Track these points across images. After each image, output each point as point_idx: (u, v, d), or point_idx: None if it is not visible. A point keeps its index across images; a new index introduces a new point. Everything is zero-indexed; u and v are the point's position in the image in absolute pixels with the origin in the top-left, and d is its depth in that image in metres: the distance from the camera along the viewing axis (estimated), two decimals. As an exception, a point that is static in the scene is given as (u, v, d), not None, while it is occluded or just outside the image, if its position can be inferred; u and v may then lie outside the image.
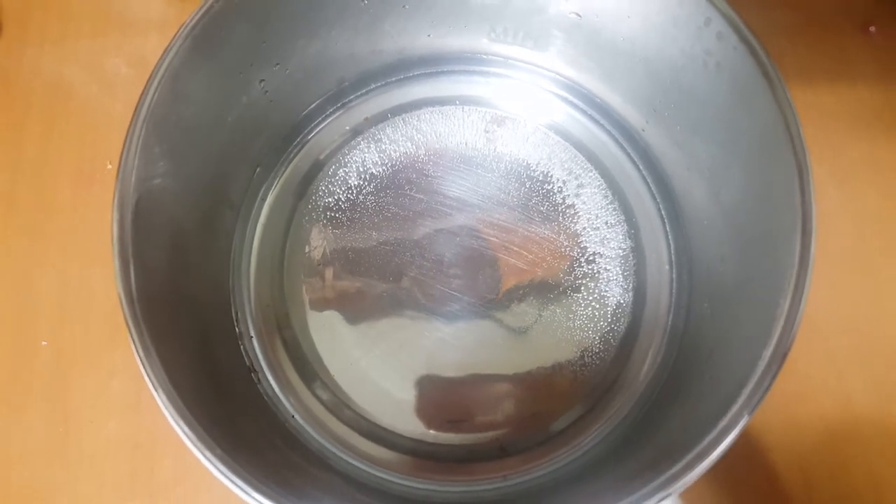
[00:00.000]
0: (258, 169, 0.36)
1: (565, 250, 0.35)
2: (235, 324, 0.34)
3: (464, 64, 0.38)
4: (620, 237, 0.35)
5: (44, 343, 0.35)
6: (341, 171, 0.37)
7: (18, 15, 0.41)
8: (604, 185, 0.36)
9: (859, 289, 0.36)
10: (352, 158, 0.37)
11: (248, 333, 0.34)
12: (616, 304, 0.34)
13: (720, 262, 0.32)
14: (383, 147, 0.37)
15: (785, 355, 0.24)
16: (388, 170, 0.36)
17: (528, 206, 0.36)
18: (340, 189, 0.36)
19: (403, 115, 0.38)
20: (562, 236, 0.35)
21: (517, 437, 0.33)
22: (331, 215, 0.36)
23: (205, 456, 0.23)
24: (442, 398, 0.33)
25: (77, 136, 0.39)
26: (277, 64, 0.33)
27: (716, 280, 0.32)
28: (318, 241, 0.35)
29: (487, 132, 0.37)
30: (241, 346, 0.34)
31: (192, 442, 0.23)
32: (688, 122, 0.32)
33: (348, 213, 0.36)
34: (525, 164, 0.37)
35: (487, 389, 0.34)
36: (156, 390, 0.24)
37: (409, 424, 0.33)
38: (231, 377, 0.32)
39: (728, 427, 0.24)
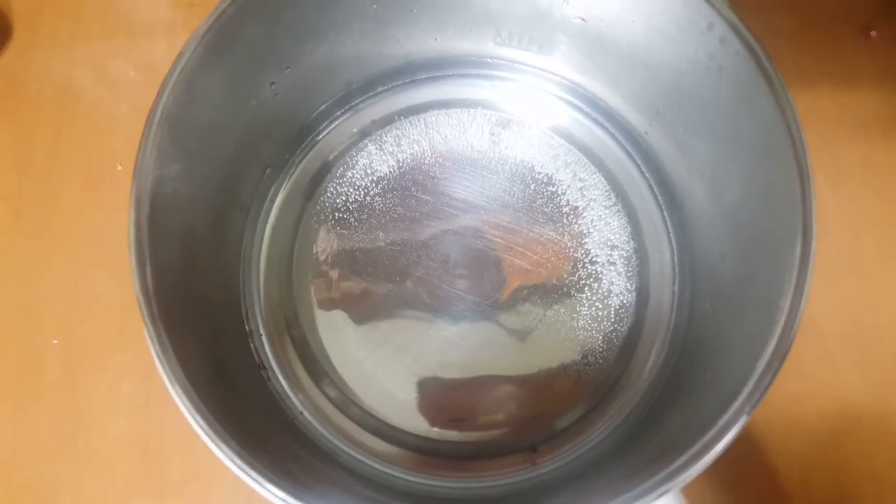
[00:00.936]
0: (268, 170, 0.36)
1: (569, 251, 0.35)
2: (245, 322, 0.34)
3: (470, 67, 0.38)
4: (624, 238, 0.36)
5: (55, 342, 0.35)
6: (349, 172, 0.37)
7: (29, 17, 0.41)
8: (607, 187, 0.37)
9: (856, 290, 0.36)
10: (359, 160, 0.37)
11: (258, 332, 0.34)
12: (619, 304, 0.35)
13: (721, 260, 0.32)
14: (390, 149, 0.37)
15: (785, 354, 0.24)
16: (394, 171, 0.37)
17: (532, 207, 0.36)
18: (348, 190, 0.37)
19: (410, 118, 0.38)
20: (566, 237, 0.36)
21: (524, 435, 0.33)
22: (338, 216, 0.36)
23: (220, 449, 0.23)
24: (447, 397, 0.34)
25: (85, 138, 0.39)
26: (287, 66, 0.33)
27: (717, 278, 0.32)
28: (326, 242, 0.36)
29: (493, 135, 0.38)
30: (251, 345, 0.34)
31: (207, 435, 0.23)
32: (690, 124, 0.33)
33: (356, 214, 0.36)
34: (530, 166, 0.37)
35: (492, 388, 0.34)
36: (172, 385, 0.24)
37: (415, 422, 0.33)
38: (241, 375, 0.32)
39: (728, 425, 0.24)
